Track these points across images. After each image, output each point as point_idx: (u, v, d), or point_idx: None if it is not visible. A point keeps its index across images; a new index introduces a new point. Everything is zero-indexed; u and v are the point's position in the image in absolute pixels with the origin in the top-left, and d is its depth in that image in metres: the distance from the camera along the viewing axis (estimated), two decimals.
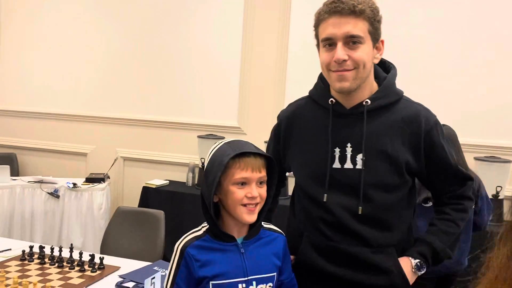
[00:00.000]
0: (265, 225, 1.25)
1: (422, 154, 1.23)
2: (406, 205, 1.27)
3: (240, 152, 1.12)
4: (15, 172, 4.07)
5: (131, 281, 1.64)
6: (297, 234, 1.30)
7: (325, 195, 1.23)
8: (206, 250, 1.14)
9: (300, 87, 3.44)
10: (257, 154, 1.14)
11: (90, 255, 1.78)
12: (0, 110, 4.47)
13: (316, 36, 1.21)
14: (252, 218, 1.14)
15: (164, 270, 1.85)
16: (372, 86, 1.23)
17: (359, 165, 1.21)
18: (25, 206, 3.29)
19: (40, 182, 3.36)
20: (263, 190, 1.16)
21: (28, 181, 3.36)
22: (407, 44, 3.27)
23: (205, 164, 1.17)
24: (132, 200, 3.85)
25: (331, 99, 1.24)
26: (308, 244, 1.27)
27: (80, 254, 1.76)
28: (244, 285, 1.14)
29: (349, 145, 1.22)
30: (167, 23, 3.90)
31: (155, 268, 1.79)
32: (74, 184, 3.36)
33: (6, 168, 3.28)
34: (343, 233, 1.23)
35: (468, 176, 1.31)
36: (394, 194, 1.23)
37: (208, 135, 3.64)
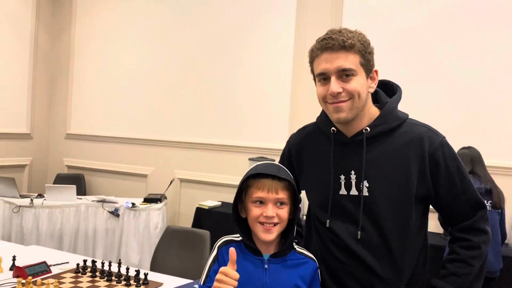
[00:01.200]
0: (298, 249, 1.28)
1: (428, 177, 1.20)
2: (415, 233, 1.24)
3: (257, 173, 1.19)
4: (82, 192, 4.38)
5: None
6: (313, 253, 1.31)
7: (328, 220, 1.26)
8: (236, 255, 1.19)
9: None
10: (275, 176, 1.19)
11: (135, 270, 1.88)
12: (71, 134, 4.86)
13: (312, 71, 1.25)
14: (268, 237, 1.19)
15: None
16: (371, 114, 1.24)
17: (365, 192, 1.22)
18: (89, 223, 3.53)
19: (102, 201, 3.59)
20: (282, 211, 1.20)
21: (92, 201, 3.61)
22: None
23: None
24: (187, 220, 3.99)
25: (333, 128, 1.27)
26: (321, 263, 1.28)
27: (127, 269, 1.87)
28: None
29: (352, 172, 1.24)
30: (221, 49, 4.08)
31: (196, 286, 1.85)
32: (133, 204, 3.55)
33: (73, 188, 3.55)
34: (353, 258, 1.23)
35: (481, 204, 1.24)
36: (402, 221, 1.20)
37: (259, 157, 3.71)
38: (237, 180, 4.23)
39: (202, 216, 3.61)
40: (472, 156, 2.69)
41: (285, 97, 3.79)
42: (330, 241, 1.26)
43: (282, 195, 1.20)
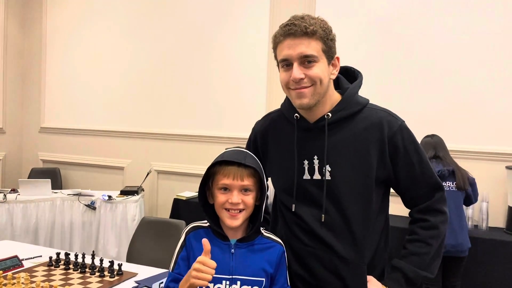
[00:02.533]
0: (265, 234, 1.30)
1: (387, 161, 1.24)
2: (376, 215, 1.27)
3: (223, 160, 1.21)
4: (58, 186, 4.33)
5: (145, 286, 1.73)
6: (279, 238, 1.34)
7: (293, 205, 1.29)
8: (200, 241, 1.21)
9: None
10: (241, 163, 1.21)
11: (109, 261, 1.88)
12: (46, 128, 4.78)
13: (275, 57, 1.27)
14: (234, 222, 1.21)
15: None
16: (333, 100, 1.27)
17: (327, 176, 1.25)
18: (65, 217, 3.49)
19: (78, 195, 3.56)
20: (247, 198, 1.22)
21: (68, 194, 3.57)
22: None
23: None
24: (165, 212, 3.99)
25: (296, 114, 1.29)
26: (287, 247, 1.31)
27: (101, 260, 1.87)
28: (228, 282, 1.21)
29: (315, 157, 1.26)
30: (199, 41, 4.05)
31: None
32: (109, 197, 3.53)
33: (47, 182, 3.50)
34: (317, 241, 1.26)
35: (439, 185, 1.28)
36: (363, 204, 1.23)
37: (236, 147, 3.71)
38: None
39: (180, 207, 3.62)
40: (435, 143, 2.82)
41: (261, 87, 3.81)
42: (295, 224, 1.29)
43: (247, 182, 1.21)
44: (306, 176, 1.27)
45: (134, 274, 1.85)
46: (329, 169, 1.24)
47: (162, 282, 1.49)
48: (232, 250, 1.24)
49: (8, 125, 4.73)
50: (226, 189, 1.21)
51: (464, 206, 2.79)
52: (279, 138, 1.35)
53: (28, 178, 4.34)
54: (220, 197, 1.21)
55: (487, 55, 3.16)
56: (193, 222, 1.30)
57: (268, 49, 3.76)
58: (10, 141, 4.76)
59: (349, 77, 1.34)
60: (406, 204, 1.33)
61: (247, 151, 1.29)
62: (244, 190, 1.22)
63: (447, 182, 2.70)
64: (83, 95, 4.60)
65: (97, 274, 1.82)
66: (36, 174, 4.45)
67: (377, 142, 1.23)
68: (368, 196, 1.23)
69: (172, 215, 3.61)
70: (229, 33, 3.93)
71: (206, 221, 1.29)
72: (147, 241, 2.37)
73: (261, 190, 1.26)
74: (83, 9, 4.58)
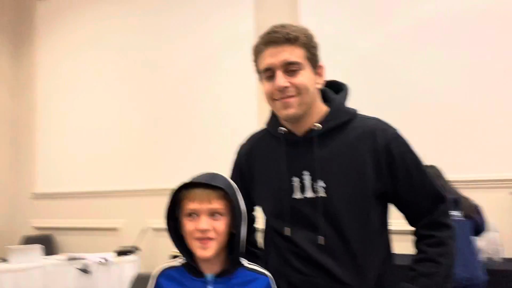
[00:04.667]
0: (248, 265, 1.16)
1: (384, 171, 1.14)
2: (377, 234, 1.17)
3: (189, 183, 1.10)
4: (53, 253, 4.16)
5: None
6: (272, 270, 1.21)
7: (286, 228, 1.17)
8: (175, 281, 1.11)
9: None
10: (208, 185, 1.09)
11: None
12: (38, 194, 4.68)
13: (257, 70, 1.21)
14: (204, 253, 1.08)
15: None
16: (321, 110, 1.20)
17: (321, 193, 1.14)
18: (57, 284, 3.31)
19: (71, 259, 3.40)
20: (218, 224, 1.09)
21: (59, 260, 3.41)
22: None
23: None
24: None
25: (282, 128, 1.21)
26: (282, 278, 1.17)
27: None
28: None
29: (306, 173, 1.17)
30: (185, 92, 4.08)
31: None
32: (104, 259, 3.37)
33: (37, 248, 3.36)
34: (315, 267, 1.14)
35: (441, 196, 1.17)
36: (362, 222, 1.14)
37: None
38: None
39: None
40: (433, 173, 2.73)
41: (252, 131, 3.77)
42: (290, 252, 1.17)
43: (217, 205, 1.09)
44: (298, 195, 1.17)
45: None
46: (323, 185, 1.14)
47: None
48: (208, 287, 1.10)
49: None
50: (193, 214, 1.09)
51: (474, 237, 2.67)
52: (265, 158, 1.26)
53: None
54: (188, 225, 1.09)
55: (481, 81, 3.16)
56: (162, 264, 1.18)
57: (256, 94, 3.77)
58: (1, 211, 4.64)
59: (335, 91, 1.27)
60: (409, 220, 1.22)
61: (218, 172, 1.17)
62: (213, 214, 1.09)
63: (452, 212, 2.59)
64: (74, 159, 4.55)
65: None
66: (28, 242, 4.28)
67: (371, 152, 1.14)
68: (366, 211, 1.14)
69: None
70: (215, 81, 3.96)
71: (174, 260, 1.17)
72: None
73: (233, 215, 1.11)
74: (73, 72, 4.64)
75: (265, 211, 1.28)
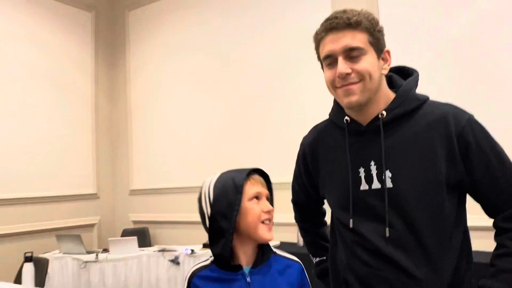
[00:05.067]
0: (278, 252, 1.18)
1: (458, 160, 1.06)
2: (451, 227, 1.08)
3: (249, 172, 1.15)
4: (147, 244, 4.48)
5: None
6: (337, 262, 1.21)
7: (352, 220, 1.13)
8: (212, 280, 1.11)
9: None
10: (258, 172, 1.17)
11: None
12: (134, 190, 5.07)
13: (318, 57, 1.18)
14: (272, 235, 1.12)
15: None
16: (388, 98, 1.13)
17: (388, 184, 1.08)
18: (151, 274, 3.58)
19: (163, 250, 3.64)
20: (271, 206, 1.14)
21: (153, 251, 3.67)
22: None
23: (208, 202, 1.14)
24: None
25: (346, 117, 1.17)
26: (350, 272, 1.15)
27: None
28: None
29: (372, 163, 1.11)
30: (263, 92, 4.14)
31: None
32: (192, 250, 3.56)
33: (134, 240, 3.65)
34: (383, 261, 1.09)
35: None
36: (434, 214, 1.06)
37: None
38: (293, 218, 4.12)
39: None
40: None
41: None
42: (356, 244, 1.14)
43: (267, 189, 1.16)
44: (364, 186, 1.13)
45: None
46: (390, 175, 1.09)
47: None
48: (248, 279, 1.10)
49: (101, 190, 5.10)
50: (258, 198, 1.12)
51: None
52: (329, 149, 1.23)
53: None
54: (256, 208, 1.11)
55: None
56: (190, 268, 1.18)
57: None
58: (104, 205, 5.10)
59: (404, 77, 1.20)
60: (487, 212, 1.13)
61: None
62: (267, 199, 1.15)
63: None
64: (165, 156, 4.85)
65: None
66: (127, 234, 4.66)
67: (443, 140, 1.06)
68: (439, 204, 1.06)
69: None
70: (292, 78, 3.97)
71: (203, 261, 1.17)
72: None
73: (272, 201, 1.19)
74: (161, 78, 4.94)
75: (330, 203, 1.26)
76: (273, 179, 4.09)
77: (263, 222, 1.11)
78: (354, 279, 1.14)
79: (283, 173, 3.97)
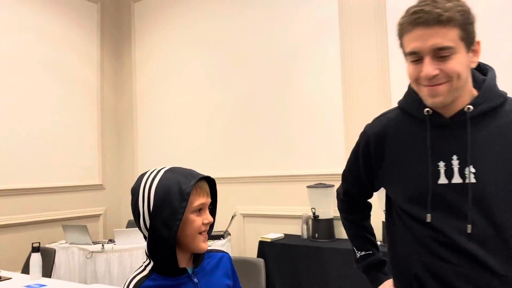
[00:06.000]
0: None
1: None
2: None
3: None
4: None
5: None
6: (404, 258, 1.18)
7: (429, 215, 1.10)
8: None
9: None
10: (204, 178, 1.13)
11: None
12: None
13: (401, 45, 1.11)
14: (207, 245, 1.11)
15: None
16: (471, 91, 1.11)
17: (471, 179, 1.06)
18: None
19: None
20: (211, 218, 1.14)
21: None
22: None
23: (146, 204, 1.06)
24: (253, 255, 3.96)
25: (427, 109, 1.11)
26: (423, 268, 1.12)
27: None
28: None
29: (455, 157, 1.09)
30: (272, 84, 4.13)
31: None
32: None
33: (139, 230, 3.67)
34: (462, 256, 1.07)
35: None
36: None
37: (317, 184, 3.63)
38: (297, 210, 4.12)
39: (266, 249, 3.57)
40: None
41: (338, 120, 3.72)
42: (431, 239, 1.10)
43: (210, 197, 1.14)
44: (443, 180, 1.09)
45: None
46: (473, 171, 1.06)
47: None
48: (195, 280, 1.11)
49: (107, 181, 5.13)
50: (200, 209, 1.10)
51: None
52: (402, 140, 1.17)
53: None
54: (197, 221, 1.08)
55: None
56: (126, 282, 1.10)
57: (341, 78, 3.71)
58: (109, 196, 5.14)
59: (479, 71, 1.17)
60: None
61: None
62: (208, 207, 1.13)
63: None
64: (170, 147, 4.87)
65: None
66: (132, 225, 4.70)
67: None
68: None
69: (259, 257, 3.56)
70: (300, 70, 3.96)
71: (139, 272, 1.11)
72: None
73: (214, 206, 1.18)
74: (167, 69, 4.95)
75: (397, 196, 1.20)
76: (278, 172, 4.13)
77: (200, 233, 1.09)
78: (429, 275, 1.11)
79: (288, 166, 4.00)
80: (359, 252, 1.41)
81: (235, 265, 2.41)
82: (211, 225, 1.16)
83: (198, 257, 1.15)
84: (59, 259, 3.61)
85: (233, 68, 4.39)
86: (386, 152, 1.19)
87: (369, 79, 3.57)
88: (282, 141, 4.06)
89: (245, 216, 4.27)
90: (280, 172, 4.05)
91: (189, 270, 1.13)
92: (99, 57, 5.12)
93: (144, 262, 1.13)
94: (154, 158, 5.01)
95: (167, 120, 4.93)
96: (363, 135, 1.27)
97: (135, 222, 1.09)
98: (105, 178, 5.11)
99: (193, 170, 1.13)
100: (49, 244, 3.78)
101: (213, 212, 1.17)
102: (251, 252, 4.13)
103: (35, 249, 2.44)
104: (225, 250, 3.52)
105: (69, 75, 4.80)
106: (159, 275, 1.07)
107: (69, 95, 4.77)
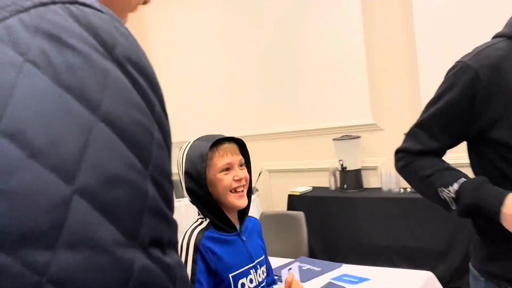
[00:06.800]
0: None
1: None
2: None
3: (215, 141, 1.16)
4: (180, 195, 4.61)
5: (275, 275, 1.75)
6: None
7: None
8: (216, 242, 1.14)
9: (434, 67, 3.26)
10: (229, 139, 1.19)
11: None
12: (177, 142, 5.13)
13: None
14: (244, 202, 1.17)
15: (305, 264, 1.92)
16: None
17: None
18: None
19: None
20: (245, 172, 1.19)
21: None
22: None
23: (182, 168, 1.18)
24: (281, 208, 4.04)
25: None
26: None
27: None
28: (253, 270, 1.18)
29: None
30: (290, 35, 4.06)
31: (296, 263, 1.86)
32: None
33: None
34: None
35: None
36: None
37: (343, 136, 3.64)
38: (325, 163, 4.13)
39: (295, 203, 3.64)
40: None
41: (360, 69, 3.66)
42: None
43: (241, 155, 1.19)
44: None
45: None
46: None
47: (290, 268, 1.49)
48: (244, 238, 1.19)
49: None
50: (228, 169, 1.16)
51: None
52: None
53: None
54: (226, 179, 1.14)
55: None
56: (187, 234, 1.18)
57: (362, 25, 3.61)
58: None
59: None
60: None
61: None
62: (241, 165, 1.18)
63: None
64: (190, 111, 4.86)
65: None
66: None
67: None
68: None
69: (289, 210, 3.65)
70: (319, 19, 3.87)
71: (197, 225, 1.19)
72: (268, 234, 2.41)
73: (249, 166, 1.25)
74: (179, 33, 4.86)
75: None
76: (301, 127, 4.11)
77: (235, 191, 1.14)
78: None
79: (312, 120, 3.99)
80: (458, 181, 1.05)
81: (275, 219, 2.48)
82: (250, 183, 1.22)
83: (242, 218, 1.23)
84: None
85: (250, 24, 4.30)
86: (502, 88, 1.00)
87: (391, 23, 3.47)
88: (304, 95, 4.03)
89: (271, 171, 4.32)
90: (304, 127, 4.05)
91: (237, 229, 1.21)
92: None
93: (199, 218, 1.22)
94: (171, 121, 5.02)
95: (184, 84, 4.89)
96: (469, 70, 1.02)
97: (183, 190, 1.21)
98: None
99: (219, 135, 1.20)
100: None
101: (247, 170, 1.23)
102: (279, 206, 4.21)
103: None
104: (257, 205, 3.59)
105: None
106: (215, 230, 1.16)
107: None
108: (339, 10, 3.74)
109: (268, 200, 4.36)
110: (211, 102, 4.69)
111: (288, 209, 3.66)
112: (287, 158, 4.20)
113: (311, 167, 4.00)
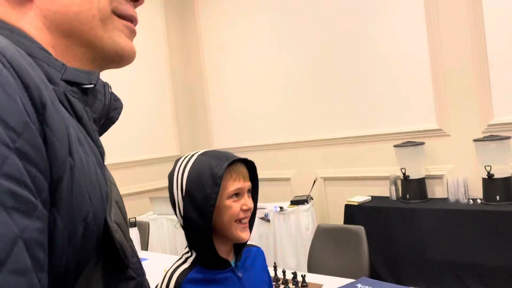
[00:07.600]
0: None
1: None
2: None
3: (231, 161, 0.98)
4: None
5: None
6: None
7: None
8: (201, 283, 0.97)
9: (506, 68, 2.98)
10: (242, 161, 1.01)
11: (292, 273, 1.82)
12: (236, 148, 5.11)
13: None
14: (248, 235, 1.00)
15: (367, 286, 1.75)
16: None
17: None
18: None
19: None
20: (251, 201, 1.02)
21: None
22: None
23: (180, 191, 0.98)
24: (337, 219, 3.86)
25: None
26: None
27: (283, 272, 1.81)
28: None
29: None
30: (348, 37, 3.88)
31: (358, 285, 1.70)
32: (281, 208, 3.55)
33: None
34: None
35: None
36: None
37: (405, 142, 3.41)
38: (385, 171, 3.92)
39: (353, 213, 3.44)
40: None
41: (424, 71, 3.42)
42: None
43: (250, 181, 1.02)
44: None
45: (319, 286, 1.75)
46: None
47: None
48: (239, 274, 1.01)
49: (185, 152, 5.21)
50: (237, 194, 0.99)
51: None
52: None
53: None
54: (234, 207, 0.97)
55: None
56: (169, 271, 1.00)
57: (426, 27, 3.38)
58: None
59: None
60: None
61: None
62: (248, 191, 1.01)
63: None
64: (243, 114, 4.81)
65: (282, 287, 1.77)
66: None
67: None
68: None
69: (346, 222, 3.45)
70: (381, 21, 3.66)
71: (180, 264, 1.01)
72: (325, 249, 2.26)
73: (255, 191, 1.07)
74: (235, 32, 4.83)
75: None
76: (359, 132, 3.96)
77: (240, 221, 0.99)
78: None
79: (370, 125, 3.78)
80: None
81: (333, 233, 2.32)
82: (253, 213, 1.06)
83: (239, 250, 1.06)
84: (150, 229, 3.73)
85: (306, 26, 4.17)
86: None
87: (458, 22, 3.21)
88: (362, 99, 3.83)
89: (325, 179, 4.15)
90: (361, 132, 3.85)
91: (232, 263, 1.04)
92: (165, 29, 5.10)
93: (184, 253, 1.05)
94: (228, 126, 4.99)
95: (237, 87, 4.84)
96: None
97: (173, 210, 1.03)
98: (182, 149, 5.19)
99: (229, 152, 1.03)
100: (139, 216, 3.92)
101: (254, 198, 1.08)
102: (335, 216, 4.03)
103: (131, 224, 2.49)
104: (312, 215, 3.44)
105: (141, 54, 4.82)
106: (202, 268, 1.00)
107: (143, 73, 4.82)
108: (401, 10, 3.52)
109: (323, 209, 4.18)
110: (261, 107, 4.60)
111: (345, 220, 3.47)
112: (343, 165, 4.01)
113: (370, 175, 3.79)
